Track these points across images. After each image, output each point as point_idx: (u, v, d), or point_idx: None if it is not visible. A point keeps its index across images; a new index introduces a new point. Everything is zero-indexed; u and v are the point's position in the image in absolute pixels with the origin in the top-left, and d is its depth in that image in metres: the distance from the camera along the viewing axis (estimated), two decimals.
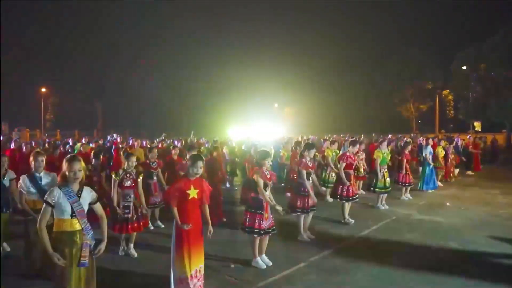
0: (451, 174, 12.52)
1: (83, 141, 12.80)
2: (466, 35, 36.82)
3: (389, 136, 16.92)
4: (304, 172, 5.87)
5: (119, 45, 51.87)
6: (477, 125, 25.23)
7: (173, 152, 8.84)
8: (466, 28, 40.27)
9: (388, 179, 8.30)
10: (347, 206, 7.02)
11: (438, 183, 11.15)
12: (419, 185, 10.49)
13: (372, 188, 8.39)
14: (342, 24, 50.55)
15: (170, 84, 50.34)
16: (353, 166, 7.43)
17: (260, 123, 26.33)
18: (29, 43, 47.64)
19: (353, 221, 7.09)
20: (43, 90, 45.85)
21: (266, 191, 4.74)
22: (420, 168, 11.16)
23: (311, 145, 6.41)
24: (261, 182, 4.69)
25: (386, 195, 8.34)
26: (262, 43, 52.39)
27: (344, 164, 7.00)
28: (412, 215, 7.80)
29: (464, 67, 28.89)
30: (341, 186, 7.00)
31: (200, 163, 3.84)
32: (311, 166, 6.03)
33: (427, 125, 37.72)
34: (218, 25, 54.63)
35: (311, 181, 5.97)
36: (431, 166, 10.63)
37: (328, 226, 6.86)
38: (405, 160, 9.36)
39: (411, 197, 9.38)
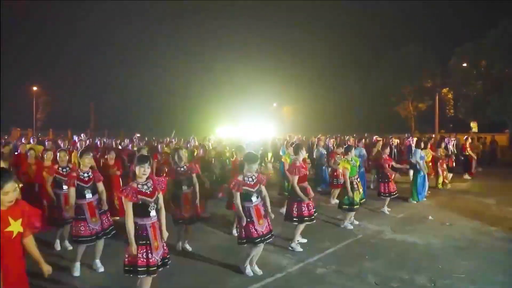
0: (445, 180, 11.12)
1: (32, 141, 11.47)
2: (465, 30, 35.32)
3: (374, 137, 15.51)
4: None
5: (113, 44, 50.97)
6: (474, 125, 23.74)
7: (109, 156, 7.63)
8: (465, 23, 38.63)
9: (360, 190, 6.90)
10: (301, 227, 5.67)
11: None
12: (411, 197, 8.99)
13: (338, 205, 7.02)
14: (338, 21, 49.11)
15: (164, 84, 49.38)
16: (307, 177, 6.02)
17: (253, 122, 25.43)
18: (21, 41, 46.72)
19: (305, 240, 5.77)
20: (35, 88, 44.93)
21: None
22: (411, 173, 9.69)
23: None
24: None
25: (353, 212, 6.91)
26: (259, 43, 51.20)
27: (296, 178, 5.55)
28: (383, 232, 6.46)
29: (464, 64, 27.38)
30: (296, 204, 5.57)
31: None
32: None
33: (427, 125, 36.16)
34: (216, 25, 53.43)
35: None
36: (422, 173, 9.12)
37: (269, 251, 5.39)
38: (386, 165, 8.01)
39: (389, 210, 8.02)
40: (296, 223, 5.55)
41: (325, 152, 10.97)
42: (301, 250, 5.50)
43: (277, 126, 39.53)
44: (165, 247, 3.72)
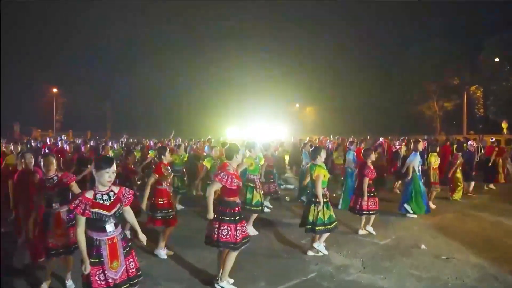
0: (460, 191, 9.11)
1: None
2: (496, 20, 31.96)
3: (380, 139, 13.53)
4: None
5: (127, 46, 50.93)
6: (505, 126, 21.05)
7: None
8: (495, 13, 35.02)
9: (329, 210, 5.14)
10: (231, 258, 4.05)
11: (431, 204, 7.95)
12: (411, 211, 7.28)
13: (300, 224, 5.34)
14: (358, 18, 46.54)
15: (178, 85, 48.84)
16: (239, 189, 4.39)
17: (269, 123, 24.37)
18: (39, 43, 47.53)
19: (231, 280, 4.16)
20: (54, 90, 45.59)
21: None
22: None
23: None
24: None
25: (326, 234, 5.20)
26: (280, 43, 49.44)
27: (215, 185, 3.98)
28: (348, 270, 4.73)
29: (496, 59, 24.56)
30: (216, 225, 3.97)
31: None
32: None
33: (453, 125, 33.23)
34: (233, 25, 52.20)
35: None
36: (421, 183, 7.40)
37: None
38: (366, 176, 6.19)
39: (372, 232, 6.23)
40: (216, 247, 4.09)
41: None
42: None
43: (300, 127, 38.40)
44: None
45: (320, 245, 5.21)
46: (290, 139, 17.34)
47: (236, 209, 4.07)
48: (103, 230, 2.95)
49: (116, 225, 3.01)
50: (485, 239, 5.94)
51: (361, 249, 5.50)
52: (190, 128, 34.84)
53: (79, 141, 12.71)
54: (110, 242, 2.95)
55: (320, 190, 4.96)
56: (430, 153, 8.44)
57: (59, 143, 13.18)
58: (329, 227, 5.06)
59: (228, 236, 3.93)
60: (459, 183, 9.14)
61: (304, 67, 44.33)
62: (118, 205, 3.02)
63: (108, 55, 50.15)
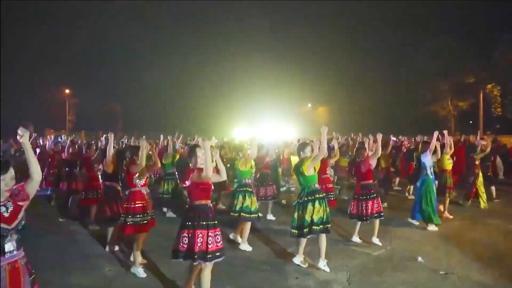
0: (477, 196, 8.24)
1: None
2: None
3: (392, 138, 12.83)
4: None
5: (138, 46, 51.12)
6: None
7: None
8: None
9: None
10: (207, 275, 3.60)
11: (446, 214, 7.22)
12: (429, 222, 6.45)
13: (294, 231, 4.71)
14: (368, 15, 45.40)
15: (188, 85, 48.80)
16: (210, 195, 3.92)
17: (278, 123, 23.95)
18: (49, 44, 48.12)
19: None
20: (67, 91, 46.11)
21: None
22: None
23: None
24: None
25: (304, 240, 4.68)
26: (291, 42, 48.83)
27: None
28: (331, 285, 4.23)
29: None
30: (186, 233, 3.53)
31: None
32: None
33: (469, 125, 31.92)
34: (246, 24, 51.77)
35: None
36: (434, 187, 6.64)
37: None
38: (361, 175, 5.63)
39: (379, 243, 5.55)
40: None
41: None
42: None
43: (312, 127, 37.80)
44: None
45: (297, 257, 4.71)
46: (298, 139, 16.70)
47: (210, 214, 3.61)
48: (1, 251, 2.31)
49: (18, 244, 2.39)
50: (493, 252, 5.30)
51: (350, 260, 4.95)
52: (198, 128, 34.56)
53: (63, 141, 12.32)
54: (10, 269, 2.31)
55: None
56: (442, 155, 7.48)
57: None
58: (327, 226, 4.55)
59: (200, 245, 3.47)
60: (483, 189, 8.24)
61: (316, 66, 43.66)
62: (19, 216, 2.39)
63: (119, 56, 50.41)
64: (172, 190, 7.74)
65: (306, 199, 4.48)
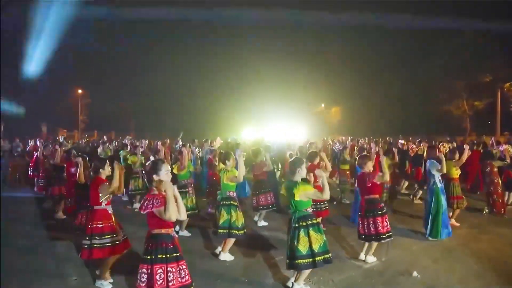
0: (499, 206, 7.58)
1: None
2: None
3: (400, 142, 12.26)
4: None
5: (150, 47, 51.41)
6: None
7: None
8: None
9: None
10: None
11: (452, 221, 6.64)
12: (430, 235, 5.93)
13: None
14: (383, 14, 44.40)
15: (198, 86, 48.82)
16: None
17: (289, 124, 23.53)
18: (62, 45, 48.72)
19: None
20: (79, 91, 46.71)
21: None
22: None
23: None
24: None
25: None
26: (305, 43, 48.20)
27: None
28: None
29: None
30: (145, 269, 3.18)
31: None
32: None
33: (486, 126, 30.74)
34: (258, 23, 51.40)
35: None
36: (444, 198, 6.03)
37: None
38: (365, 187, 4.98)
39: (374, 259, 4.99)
40: None
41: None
42: None
43: (325, 127, 37.30)
44: None
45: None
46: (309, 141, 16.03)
47: (170, 245, 3.16)
48: None
49: None
50: (499, 268, 4.75)
51: (337, 274, 4.51)
52: (209, 129, 34.32)
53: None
54: None
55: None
56: (448, 161, 6.61)
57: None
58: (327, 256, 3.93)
59: (161, 282, 3.04)
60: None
61: (330, 66, 43.01)
62: None
63: (131, 57, 50.79)
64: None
65: (297, 225, 3.89)
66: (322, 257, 3.83)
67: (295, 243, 3.81)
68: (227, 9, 49.68)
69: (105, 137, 18.03)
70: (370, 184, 4.89)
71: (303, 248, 3.78)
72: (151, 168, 3.31)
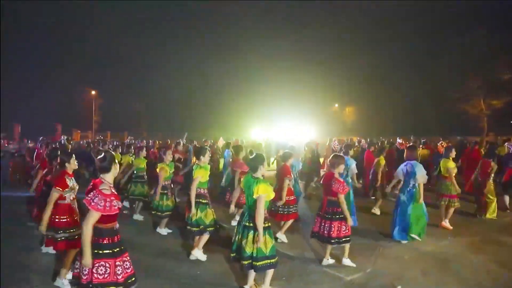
0: (494, 209, 7.23)
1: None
2: None
3: (398, 141, 11.74)
4: None
5: (162, 48, 51.84)
6: None
7: None
8: None
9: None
10: None
11: (445, 223, 6.38)
12: (410, 234, 5.65)
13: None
14: (396, 12, 43.36)
15: (210, 86, 48.91)
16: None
17: (300, 124, 23.26)
18: (76, 46, 49.71)
19: None
20: (93, 92, 47.36)
21: None
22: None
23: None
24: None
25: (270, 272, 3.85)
26: (319, 43, 47.72)
27: (92, 218, 2.88)
28: None
29: None
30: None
31: None
32: None
33: (505, 125, 29.56)
34: (270, 23, 51.12)
35: None
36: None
37: None
38: (337, 189, 4.61)
39: (353, 264, 4.74)
40: None
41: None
42: None
43: (339, 127, 36.77)
44: None
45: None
46: (325, 141, 15.50)
47: (116, 238, 3.05)
48: None
49: None
50: (499, 281, 4.31)
51: (315, 287, 4.14)
52: (220, 129, 34.17)
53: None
54: None
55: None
56: (443, 159, 6.72)
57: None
58: (272, 261, 3.71)
59: (107, 276, 2.90)
60: (491, 197, 7.20)
61: (344, 66, 42.39)
62: None
63: (144, 57, 51.31)
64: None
65: (247, 224, 3.69)
66: (265, 262, 3.66)
67: (243, 243, 3.68)
68: (240, 6, 49.67)
69: (115, 142, 17.80)
70: (334, 188, 4.55)
71: (249, 249, 3.63)
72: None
